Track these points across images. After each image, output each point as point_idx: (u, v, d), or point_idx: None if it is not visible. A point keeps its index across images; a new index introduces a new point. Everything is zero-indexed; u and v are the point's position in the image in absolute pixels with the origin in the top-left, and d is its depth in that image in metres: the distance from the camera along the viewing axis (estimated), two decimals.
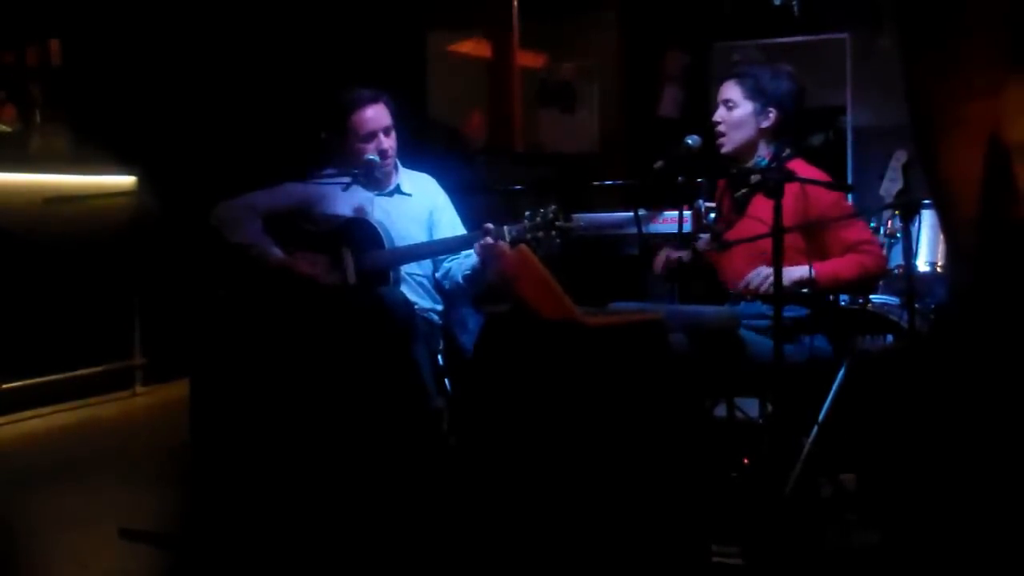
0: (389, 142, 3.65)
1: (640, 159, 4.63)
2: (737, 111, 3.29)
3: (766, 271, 2.97)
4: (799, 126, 3.45)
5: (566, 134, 6.70)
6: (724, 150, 3.32)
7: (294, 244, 3.63)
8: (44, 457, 4.33)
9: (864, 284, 3.36)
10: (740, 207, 3.34)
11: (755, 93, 3.28)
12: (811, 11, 5.84)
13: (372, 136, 3.64)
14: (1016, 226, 1.20)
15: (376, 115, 3.65)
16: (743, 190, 3.33)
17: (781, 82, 3.30)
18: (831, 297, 3.35)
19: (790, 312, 3.08)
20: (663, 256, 3.47)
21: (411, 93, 6.09)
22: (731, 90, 3.31)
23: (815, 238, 3.17)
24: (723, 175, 3.45)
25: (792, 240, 3.09)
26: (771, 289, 2.90)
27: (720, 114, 3.32)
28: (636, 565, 2.50)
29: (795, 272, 3.08)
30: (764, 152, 3.31)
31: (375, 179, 3.70)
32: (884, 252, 3.44)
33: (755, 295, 3.13)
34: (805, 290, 3.11)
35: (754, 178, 3.27)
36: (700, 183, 3.59)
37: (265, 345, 3.52)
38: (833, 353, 3.18)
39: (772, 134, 3.31)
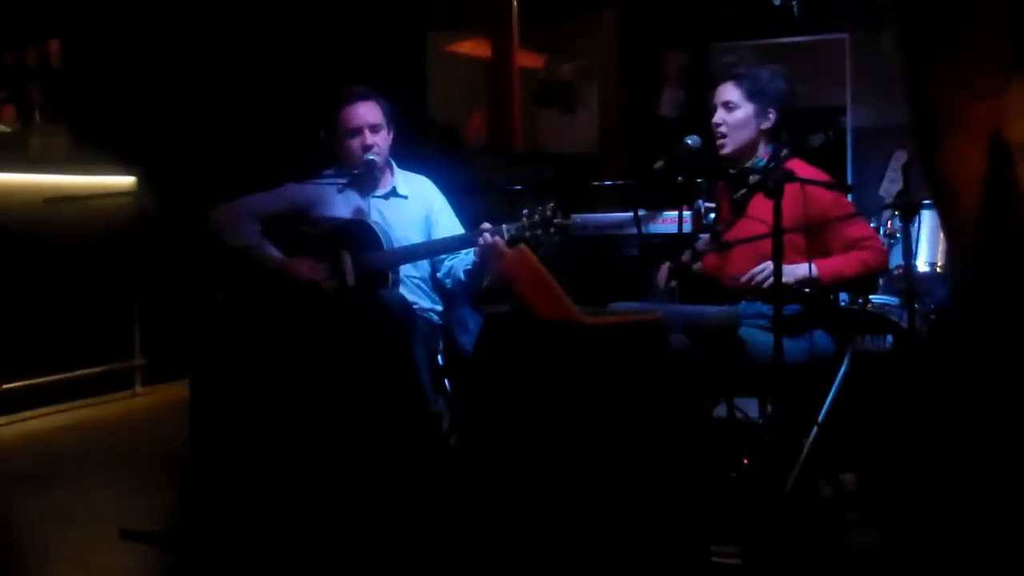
0: (375, 139, 3.64)
1: (640, 159, 4.63)
2: (738, 112, 3.29)
3: (772, 266, 2.97)
4: (797, 126, 3.46)
5: (566, 134, 6.70)
6: (725, 151, 3.32)
7: (292, 246, 3.63)
8: (44, 457, 4.33)
9: (868, 280, 3.36)
10: (739, 208, 3.34)
11: (755, 94, 3.28)
12: (811, 11, 5.84)
13: (358, 132, 3.64)
14: (1017, 227, 1.20)
15: (365, 112, 3.65)
16: (742, 191, 3.33)
17: (778, 82, 3.31)
18: (832, 296, 3.35)
19: (790, 309, 3.08)
20: (665, 270, 3.47)
21: (411, 93, 6.09)
22: (730, 92, 3.31)
23: (816, 237, 3.17)
24: (722, 176, 3.45)
25: (792, 240, 3.10)
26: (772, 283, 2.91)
27: (720, 116, 3.31)
28: (636, 565, 2.50)
29: (799, 270, 3.08)
30: (762, 152, 3.31)
31: (373, 179, 3.71)
32: (885, 247, 3.44)
33: (757, 290, 3.13)
34: (808, 289, 3.12)
35: (753, 178, 3.28)
36: (700, 183, 3.59)
37: (265, 346, 3.52)
38: (833, 353, 3.18)
39: (771, 134, 3.31)
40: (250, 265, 3.60)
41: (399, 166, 3.81)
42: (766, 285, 3.06)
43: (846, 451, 3.15)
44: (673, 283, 3.44)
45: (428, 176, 3.86)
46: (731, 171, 3.37)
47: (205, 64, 5.57)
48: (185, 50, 5.55)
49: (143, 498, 3.65)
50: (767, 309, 3.09)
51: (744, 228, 3.26)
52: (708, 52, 6.09)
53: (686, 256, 3.44)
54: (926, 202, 3.57)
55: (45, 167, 5.14)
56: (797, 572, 2.81)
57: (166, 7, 5.51)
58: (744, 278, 3.14)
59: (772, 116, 3.29)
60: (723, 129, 3.30)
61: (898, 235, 3.83)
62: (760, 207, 3.16)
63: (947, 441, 1.33)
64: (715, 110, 3.32)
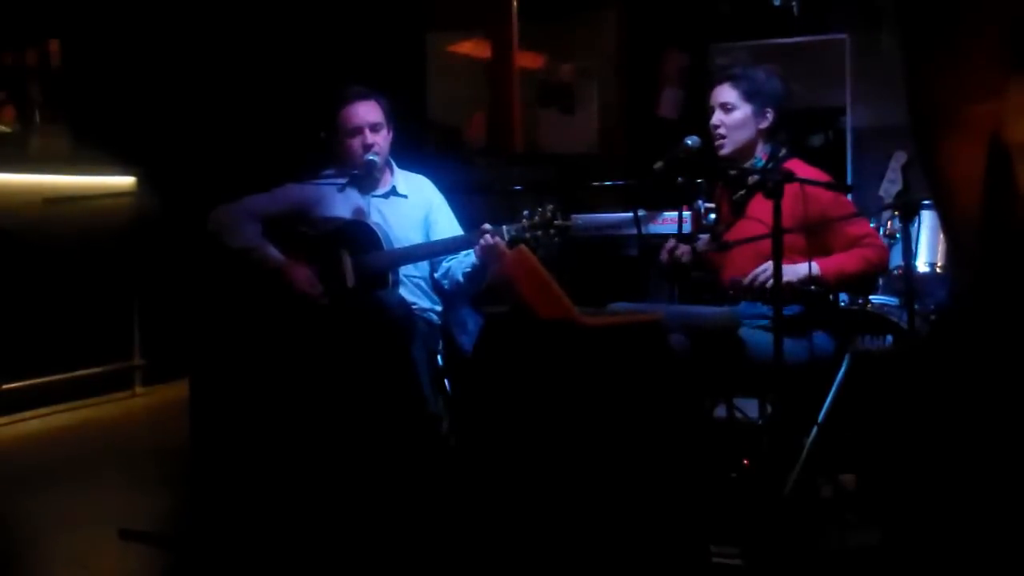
0: (375, 138, 3.64)
1: (640, 160, 4.63)
2: (736, 113, 3.30)
3: (772, 266, 2.97)
4: (797, 126, 3.46)
5: (566, 135, 6.70)
6: (724, 152, 3.33)
7: (292, 247, 3.63)
8: (44, 457, 4.33)
9: (869, 277, 3.37)
10: (739, 208, 3.35)
11: (752, 95, 3.29)
12: (811, 11, 5.85)
13: (358, 131, 3.64)
14: (1017, 228, 1.20)
15: (364, 111, 3.65)
16: (741, 191, 3.33)
17: (775, 81, 3.32)
18: (831, 296, 3.35)
19: (790, 310, 3.08)
20: (670, 244, 3.46)
21: (410, 93, 6.09)
22: (727, 93, 3.31)
23: (817, 237, 3.17)
24: (722, 176, 3.46)
25: (792, 240, 3.10)
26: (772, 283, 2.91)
27: (718, 117, 3.32)
28: (636, 565, 2.50)
29: (801, 269, 3.08)
30: (761, 152, 3.32)
31: (373, 179, 3.71)
32: (886, 244, 3.45)
33: (759, 292, 3.13)
34: (812, 287, 3.12)
35: (752, 179, 3.28)
36: (699, 183, 3.59)
37: (265, 347, 3.52)
38: (833, 353, 3.18)
39: (769, 134, 3.32)
40: (250, 266, 3.60)
41: (399, 166, 3.81)
42: (769, 285, 3.07)
43: (846, 451, 3.15)
44: (681, 253, 3.41)
45: (428, 176, 3.86)
46: (730, 172, 3.37)
47: (205, 64, 5.56)
48: (185, 50, 5.54)
49: (143, 498, 3.65)
50: (767, 310, 3.09)
51: (744, 228, 3.27)
52: (708, 52, 6.09)
53: (686, 257, 3.44)
54: (926, 202, 3.57)
55: (45, 167, 5.13)
56: (797, 572, 2.81)
57: (166, 7, 5.51)
58: (746, 280, 3.14)
59: (770, 116, 3.30)
60: (722, 131, 3.31)
61: (898, 235, 3.83)
62: (760, 207, 3.16)
63: (947, 441, 1.33)
64: (712, 112, 3.33)
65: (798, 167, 3.23)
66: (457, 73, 6.74)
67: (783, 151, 3.32)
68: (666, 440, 2.59)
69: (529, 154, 6.58)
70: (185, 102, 5.49)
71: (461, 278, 3.61)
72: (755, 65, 3.35)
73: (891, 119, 5.37)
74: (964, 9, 1.21)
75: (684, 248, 3.44)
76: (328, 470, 3.28)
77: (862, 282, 3.47)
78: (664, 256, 3.47)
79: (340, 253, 3.58)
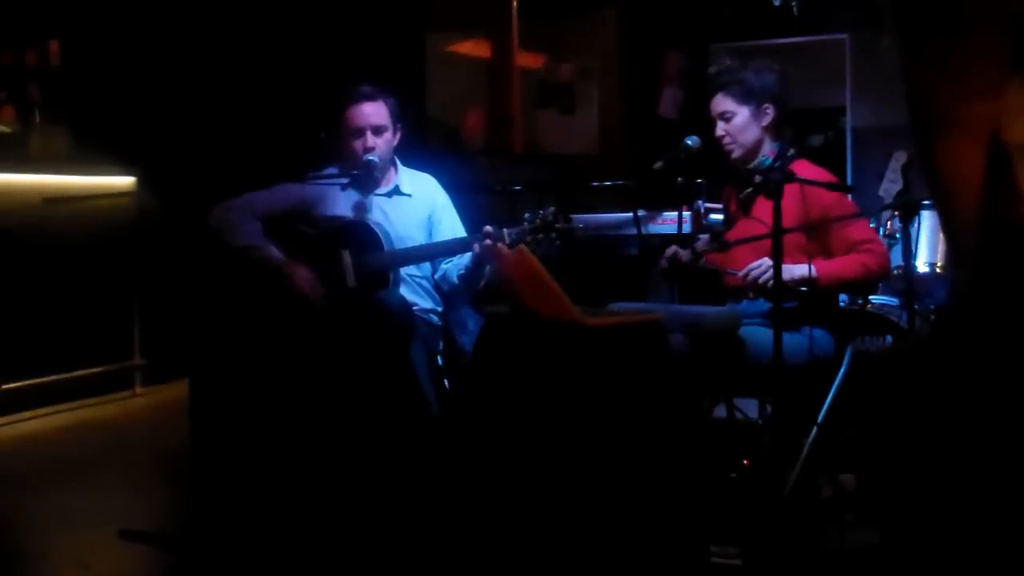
0: (376, 141, 3.63)
1: (640, 160, 4.63)
2: (737, 119, 3.30)
3: (769, 262, 2.98)
4: (797, 126, 3.47)
5: (566, 135, 6.71)
6: (735, 156, 3.34)
7: (293, 246, 3.62)
8: (44, 457, 4.33)
9: (869, 284, 3.36)
10: (746, 207, 3.35)
11: (746, 96, 3.30)
12: (811, 11, 5.85)
13: (360, 133, 3.62)
14: (1016, 227, 1.20)
15: (369, 112, 3.63)
16: (748, 190, 3.33)
17: (766, 77, 3.32)
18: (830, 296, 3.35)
19: (790, 303, 3.09)
20: (671, 251, 3.47)
21: (411, 93, 6.09)
22: (723, 103, 3.32)
23: (818, 237, 3.18)
24: (724, 177, 3.46)
25: (795, 239, 3.10)
26: (771, 281, 2.91)
27: (721, 128, 3.33)
28: (636, 565, 2.50)
29: (797, 270, 3.08)
30: (768, 150, 3.32)
31: (373, 180, 3.70)
32: (887, 250, 3.45)
33: (756, 287, 3.13)
34: (804, 288, 3.12)
35: (758, 178, 3.28)
36: (699, 183, 3.59)
37: (264, 347, 3.52)
38: (833, 353, 3.18)
39: (775, 128, 3.32)
40: (250, 265, 3.60)
41: (404, 164, 3.81)
42: (762, 280, 3.07)
43: (846, 451, 3.15)
44: (681, 256, 3.42)
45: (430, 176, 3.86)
46: (734, 172, 3.38)
47: (205, 64, 5.57)
48: (185, 50, 5.55)
49: (143, 498, 3.65)
50: (767, 306, 3.09)
51: (746, 228, 3.27)
52: (708, 52, 6.10)
53: (686, 256, 3.44)
54: (926, 202, 3.57)
55: (45, 167, 5.13)
56: (797, 572, 2.81)
57: (166, 7, 5.51)
58: (741, 273, 3.15)
59: (770, 111, 3.30)
60: (727, 139, 3.32)
61: (898, 235, 3.83)
62: (763, 207, 3.17)
63: (947, 441, 1.33)
64: (715, 124, 3.34)
65: (804, 167, 3.24)
66: (457, 73, 6.74)
67: (791, 151, 3.32)
68: (666, 440, 2.59)
69: (529, 154, 6.58)
70: (185, 102, 5.49)
71: (456, 279, 3.61)
72: (743, 65, 3.35)
73: (891, 119, 5.38)
74: (963, 9, 1.21)
75: (684, 252, 3.44)
76: (328, 470, 3.28)
77: (861, 288, 3.47)
78: (664, 263, 3.47)
79: (340, 253, 3.58)
